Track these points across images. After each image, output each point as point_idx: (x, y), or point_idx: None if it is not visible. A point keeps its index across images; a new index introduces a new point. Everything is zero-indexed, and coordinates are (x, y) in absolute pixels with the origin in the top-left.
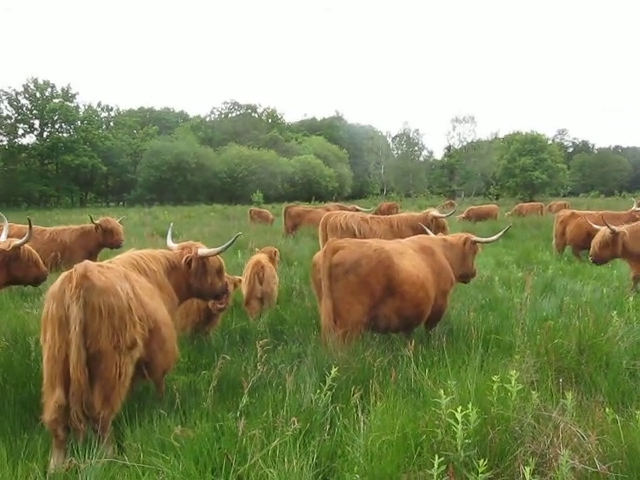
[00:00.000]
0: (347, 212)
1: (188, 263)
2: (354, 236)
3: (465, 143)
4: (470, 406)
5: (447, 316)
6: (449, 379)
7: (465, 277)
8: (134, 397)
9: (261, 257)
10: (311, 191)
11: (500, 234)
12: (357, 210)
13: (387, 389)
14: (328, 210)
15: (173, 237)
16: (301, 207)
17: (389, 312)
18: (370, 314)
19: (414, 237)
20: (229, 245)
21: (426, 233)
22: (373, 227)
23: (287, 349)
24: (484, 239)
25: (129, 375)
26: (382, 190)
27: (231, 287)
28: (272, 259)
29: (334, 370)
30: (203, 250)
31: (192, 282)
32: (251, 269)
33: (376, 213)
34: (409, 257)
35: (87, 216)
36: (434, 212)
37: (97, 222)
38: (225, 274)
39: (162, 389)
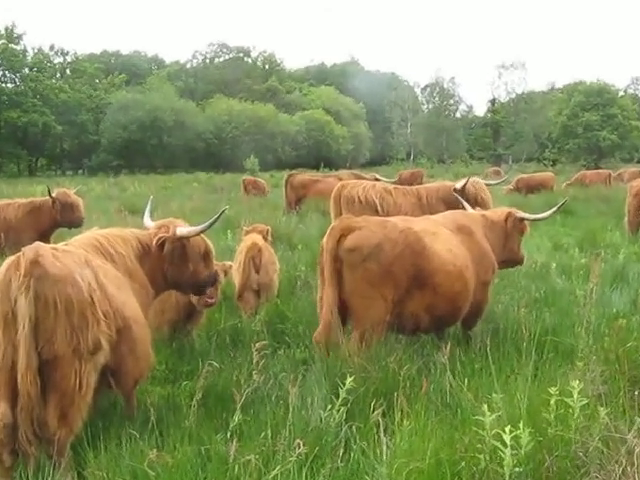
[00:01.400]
0: (366, 182)
1: (160, 245)
2: (375, 213)
3: (514, 95)
4: (521, 426)
5: (491, 313)
6: (494, 392)
7: (508, 264)
8: (98, 414)
9: (257, 238)
10: (319, 156)
11: (554, 209)
12: (378, 180)
13: (416, 404)
14: (341, 180)
15: (150, 214)
16: (307, 176)
17: (418, 309)
18: (394, 311)
19: (447, 213)
20: (213, 222)
21: (463, 208)
22: (398, 200)
23: (290, 354)
24: (532, 215)
25: (92, 386)
26: (408, 155)
27: (221, 275)
28: (265, 239)
29: (349, 380)
30: (182, 229)
31: (168, 270)
32: (245, 253)
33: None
34: (443, 239)
35: (37, 188)
36: (474, 181)
37: (54, 195)
38: (213, 260)
39: (133, 403)
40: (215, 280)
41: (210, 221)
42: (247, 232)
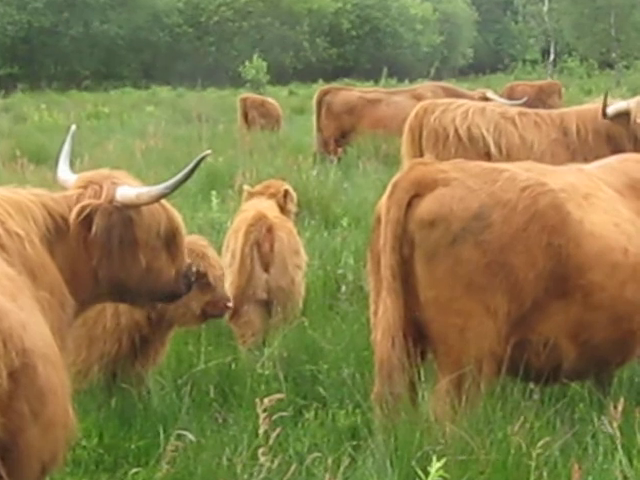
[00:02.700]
0: (467, 103)
1: (86, 220)
2: (486, 157)
3: None
4: None
5: None
6: None
7: None
8: None
9: (267, 207)
10: (379, 56)
11: None
12: (488, 99)
13: None
14: (421, 98)
15: (69, 162)
16: (356, 92)
17: (557, 334)
18: (512, 339)
19: (612, 159)
20: (186, 177)
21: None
22: (527, 135)
23: (326, 419)
24: None
25: None
26: (544, 53)
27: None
28: (282, 209)
29: (436, 466)
30: (126, 190)
31: (102, 266)
32: (244, 234)
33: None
34: (604, 207)
35: None
36: None
37: None
38: (184, 247)
39: None
40: (190, 282)
41: (180, 175)
42: (250, 195)
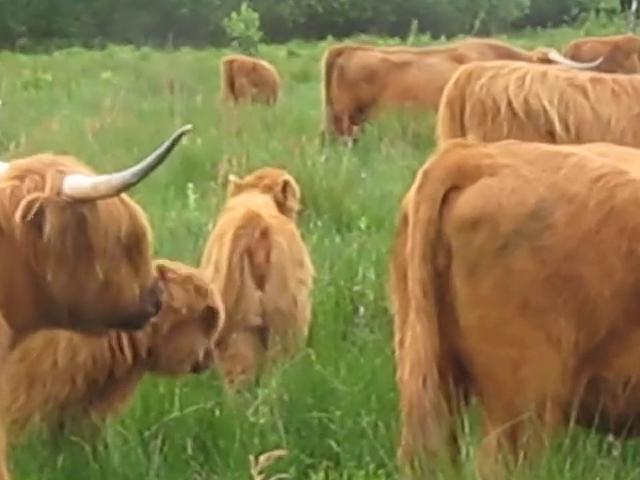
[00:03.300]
0: (523, 66)
1: (35, 220)
2: (548, 137)
3: None
4: None
5: None
6: None
7: None
8: None
9: (260, 203)
10: (403, 5)
11: None
12: (550, 61)
13: None
14: (462, 61)
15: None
16: (377, 52)
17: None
18: (583, 374)
19: None
20: (157, 162)
21: None
22: (601, 108)
23: None
24: None
25: None
26: (624, 1)
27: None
28: (280, 206)
29: None
30: (78, 180)
31: (54, 279)
32: (231, 241)
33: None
34: None
35: None
36: None
37: None
38: (150, 256)
39: None
40: (158, 301)
41: (150, 159)
42: (238, 189)
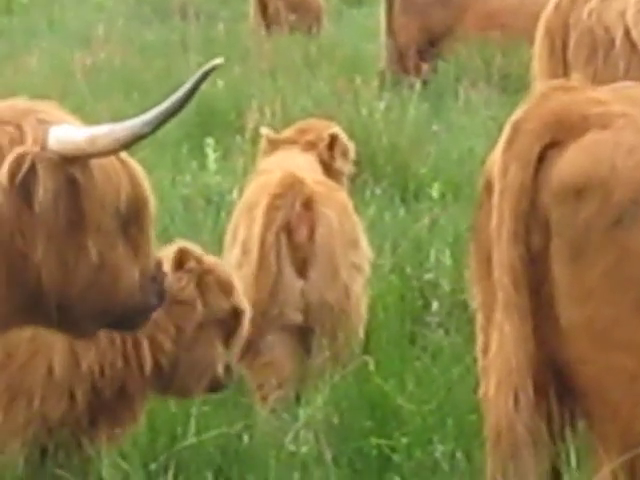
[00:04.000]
0: None
1: (21, 184)
2: None
3: None
4: None
5: None
6: None
7: None
8: None
9: (298, 163)
10: None
11: None
12: None
13: None
14: None
15: None
16: None
17: None
18: None
19: None
20: (181, 104)
21: None
22: None
23: None
24: None
25: None
26: None
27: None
28: (328, 168)
29: None
30: (68, 132)
31: (49, 260)
32: (265, 215)
33: None
34: None
35: None
36: None
37: None
38: (152, 234)
39: None
40: (162, 290)
41: (169, 103)
42: (272, 146)
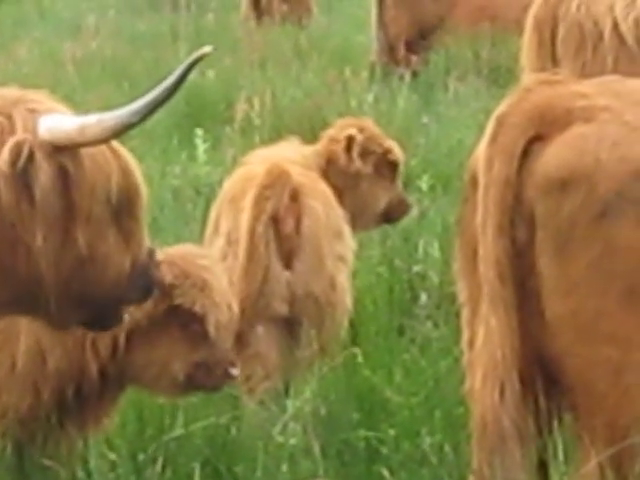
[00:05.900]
0: None
1: (20, 172)
2: None
3: None
4: None
5: None
6: None
7: None
8: None
9: (288, 155)
10: None
11: None
12: None
13: None
14: None
15: None
16: None
17: None
18: None
19: None
20: (169, 93)
21: None
22: None
23: None
24: None
25: None
26: None
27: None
28: (343, 171)
29: None
30: (59, 121)
31: (49, 249)
32: (252, 206)
33: None
34: None
35: None
36: None
37: None
38: (145, 223)
39: None
40: (150, 282)
41: (157, 92)
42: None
